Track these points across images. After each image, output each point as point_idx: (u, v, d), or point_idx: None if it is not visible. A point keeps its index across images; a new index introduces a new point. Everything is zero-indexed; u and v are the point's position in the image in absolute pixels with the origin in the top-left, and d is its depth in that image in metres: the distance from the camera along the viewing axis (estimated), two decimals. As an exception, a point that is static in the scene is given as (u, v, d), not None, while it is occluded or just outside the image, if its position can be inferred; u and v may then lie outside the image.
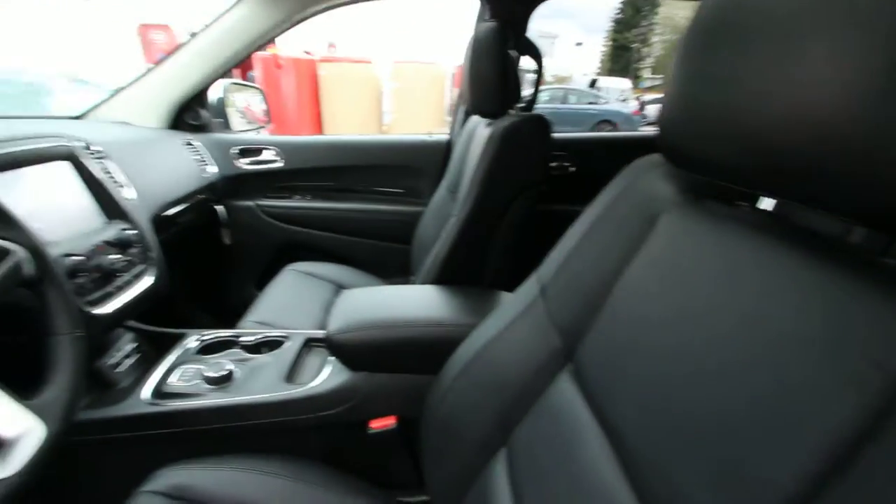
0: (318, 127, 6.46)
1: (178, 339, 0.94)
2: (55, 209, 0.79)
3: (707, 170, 0.40)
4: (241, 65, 1.40)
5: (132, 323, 0.93)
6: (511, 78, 0.99)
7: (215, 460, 0.69)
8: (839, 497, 0.24)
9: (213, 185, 1.43)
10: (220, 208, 1.53)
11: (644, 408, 0.38)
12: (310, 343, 0.94)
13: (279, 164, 1.58)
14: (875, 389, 0.25)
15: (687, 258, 0.40)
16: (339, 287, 1.37)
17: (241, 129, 1.64)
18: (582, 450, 0.43)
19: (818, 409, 0.27)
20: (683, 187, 0.46)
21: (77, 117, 1.29)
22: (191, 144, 1.39)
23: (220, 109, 1.53)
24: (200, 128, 1.46)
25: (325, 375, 0.83)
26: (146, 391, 0.79)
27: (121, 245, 0.84)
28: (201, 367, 0.83)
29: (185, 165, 1.31)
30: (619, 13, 36.80)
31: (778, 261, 0.33)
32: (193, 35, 1.30)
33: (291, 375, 0.85)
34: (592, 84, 14.11)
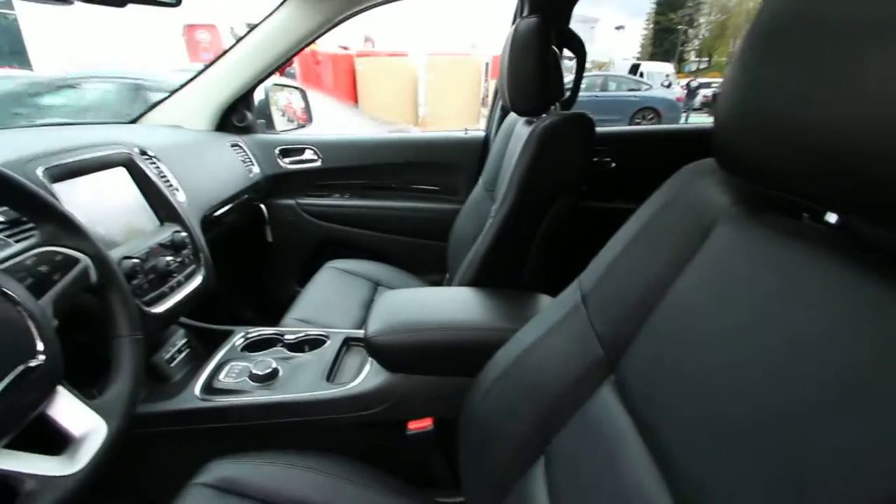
0: (355, 120, 6.55)
1: (226, 335, 0.98)
2: (114, 213, 0.84)
3: (768, 181, 0.37)
4: (280, 63, 1.42)
5: (183, 319, 0.98)
6: (553, 75, 0.97)
7: (260, 455, 0.72)
8: None
9: (257, 185, 1.48)
10: (262, 207, 1.58)
11: (690, 424, 0.37)
12: (349, 342, 0.97)
13: (317, 164, 1.61)
14: None
15: (742, 273, 0.38)
16: (377, 284, 1.39)
17: (284, 128, 1.68)
18: (624, 464, 0.42)
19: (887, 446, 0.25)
20: (738, 197, 0.43)
21: (132, 122, 1.36)
22: (237, 146, 1.44)
23: (264, 110, 1.58)
24: (245, 129, 1.51)
25: (365, 375, 0.85)
26: (198, 387, 0.83)
27: (174, 247, 0.88)
28: (248, 364, 0.86)
29: (231, 167, 1.36)
30: (663, -6, 35.20)
31: (845, 280, 0.31)
32: (236, 35, 1.34)
33: (332, 375, 0.87)
34: (634, 70, 13.57)
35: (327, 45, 6.09)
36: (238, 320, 1.65)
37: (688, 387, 0.38)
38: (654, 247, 0.49)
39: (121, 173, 0.89)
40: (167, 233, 0.89)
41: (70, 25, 9.00)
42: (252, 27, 1.32)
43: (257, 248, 1.65)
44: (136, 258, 0.78)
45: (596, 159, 1.45)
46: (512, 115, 1.25)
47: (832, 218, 0.38)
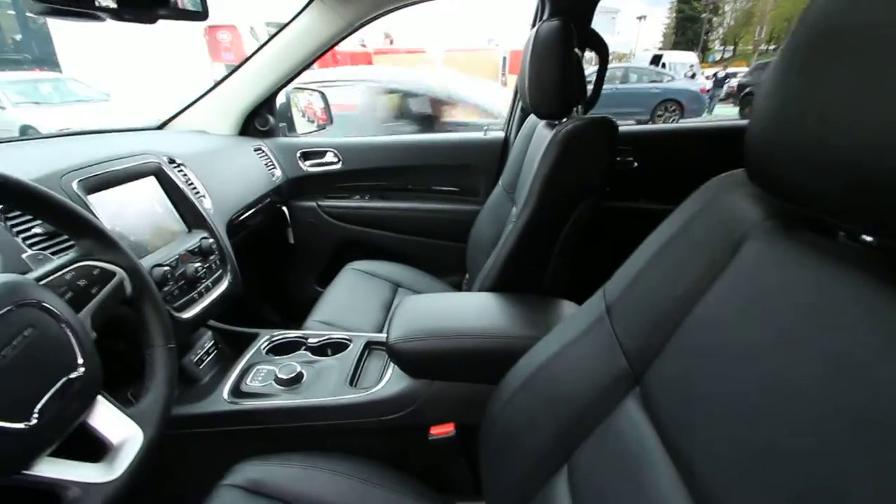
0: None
1: (252, 338, 1.00)
2: (144, 221, 0.86)
3: (804, 201, 0.36)
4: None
5: (210, 322, 1.01)
6: (575, 78, 0.95)
7: (286, 457, 0.74)
8: None
9: (280, 189, 1.50)
10: (284, 209, 1.61)
11: (718, 443, 0.36)
12: (371, 346, 0.98)
13: (338, 166, 1.63)
14: None
15: (774, 290, 0.38)
16: (397, 286, 1.40)
17: (305, 130, 1.70)
18: (649, 481, 0.42)
19: None
20: (771, 211, 0.42)
21: (159, 127, 1.39)
22: (260, 149, 1.47)
23: (285, 113, 1.60)
24: (268, 133, 1.54)
25: (387, 380, 0.86)
26: (226, 390, 0.85)
27: (202, 253, 0.90)
28: (273, 368, 0.88)
29: (255, 171, 1.39)
30: (686, -19, 34.22)
31: (880, 301, 0.31)
32: (256, 35, 1.36)
33: (355, 379, 0.89)
34: (656, 61, 13.23)
35: (346, 43, 6.13)
36: (260, 320, 1.69)
37: (716, 404, 0.38)
38: (683, 259, 0.48)
39: (150, 182, 0.92)
40: (195, 239, 0.91)
41: (97, 29, 9.24)
42: (275, 32, 1.33)
43: (279, 249, 1.68)
44: (167, 266, 0.80)
45: (619, 159, 1.42)
46: (532, 117, 1.24)
47: (868, 236, 0.37)
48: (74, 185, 0.74)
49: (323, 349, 0.98)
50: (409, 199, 1.66)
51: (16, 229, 0.65)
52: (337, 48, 1.46)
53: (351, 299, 1.28)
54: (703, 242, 0.46)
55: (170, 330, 0.62)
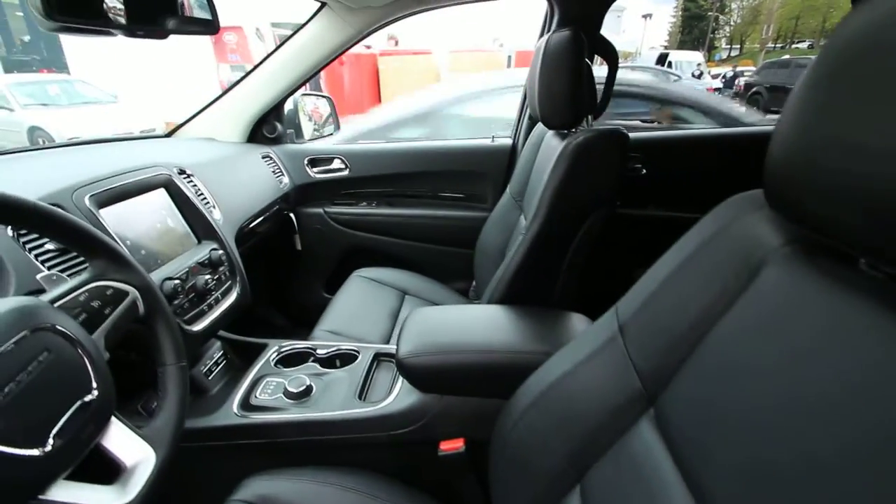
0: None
1: (260, 349, 1.00)
2: (154, 233, 0.86)
3: (825, 229, 0.36)
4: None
5: (219, 332, 1.01)
6: (586, 89, 0.95)
7: (295, 472, 0.74)
8: None
9: (287, 195, 1.50)
10: (292, 216, 1.61)
11: (733, 467, 0.36)
12: (379, 357, 0.98)
13: (345, 173, 1.63)
14: None
15: (792, 316, 0.37)
16: (404, 293, 1.40)
17: (312, 136, 1.70)
18: (662, 502, 0.41)
19: None
20: (790, 237, 0.42)
21: (167, 135, 1.40)
22: (268, 156, 1.47)
23: (293, 120, 1.60)
24: (276, 139, 1.54)
25: (396, 394, 0.85)
26: (235, 403, 0.85)
27: (211, 265, 0.90)
28: (283, 380, 0.88)
29: (263, 179, 1.39)
30: (692, -21, 34.00)
31: None
32: (261, 36, 1.36)
33: (363, 392, 0.88)
34: (662, 60, 13.14)
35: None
36: (268, 327, 1.69)
37: (731, 429, 0.38)
38: (699, 282, 0.47)
39: (161, 194, 0.92)
40: (205, 251, 0.91)
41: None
42: (283, 41, 1.33)
43: (287, 255, 1.68)
44: (177, 279, 0.80)
45: (627, 165, 1.41)
46: (540, 125, 1.24)
47: (889, 268, 0.37)
48: (86, 200, 0.74)
49: (332, 361, 0.97)
50: (416, 205, 1.66)
51: (28, 246, 0.65)
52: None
53: (358, 308, 1.28)
54: (720, 265, 0.46)
55: (182, 348, 0.62)
